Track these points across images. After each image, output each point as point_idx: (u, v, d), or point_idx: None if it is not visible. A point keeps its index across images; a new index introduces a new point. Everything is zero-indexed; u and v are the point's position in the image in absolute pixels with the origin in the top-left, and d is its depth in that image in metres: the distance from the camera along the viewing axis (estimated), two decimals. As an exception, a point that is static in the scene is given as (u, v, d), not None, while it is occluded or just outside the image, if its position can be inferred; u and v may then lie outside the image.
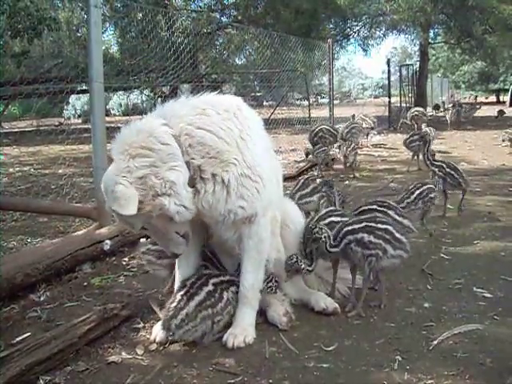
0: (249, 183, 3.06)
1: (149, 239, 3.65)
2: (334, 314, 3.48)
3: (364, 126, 12.90)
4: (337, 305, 3.53)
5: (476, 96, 50.40)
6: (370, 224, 3.53)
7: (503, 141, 12.52)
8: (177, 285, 3.36)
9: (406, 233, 3.76)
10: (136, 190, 2.76)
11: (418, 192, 5.24)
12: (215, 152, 2.96)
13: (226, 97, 3.35)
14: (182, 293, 3.16)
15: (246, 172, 3.04)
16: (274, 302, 3.44)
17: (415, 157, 9.71)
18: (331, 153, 9.50)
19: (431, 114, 24.97)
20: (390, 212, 4.27)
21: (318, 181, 5.62)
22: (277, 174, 3.56)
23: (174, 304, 3.11)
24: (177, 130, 2.92)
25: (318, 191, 5.51)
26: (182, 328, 3.07)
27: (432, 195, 5.27)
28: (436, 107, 28.77)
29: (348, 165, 9.43)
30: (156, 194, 2.80)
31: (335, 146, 10.64)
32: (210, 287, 3.20)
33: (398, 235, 3.51)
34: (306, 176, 5.96)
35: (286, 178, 7.36)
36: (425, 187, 5.28)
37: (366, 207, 4.37)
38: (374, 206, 4.31)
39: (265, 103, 23.72)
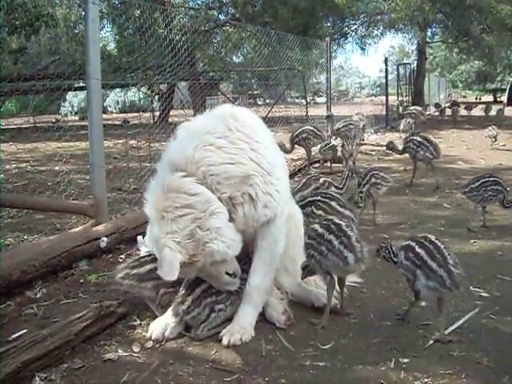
0: (271, 188, 3.14)
1: (144, 237, 3.61)
2: (335, 311, 3.48)
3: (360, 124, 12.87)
4: (337, 301, 3.52)
5: (480, 97, 50.21)
6: None
7: (488, 137, 12.78)
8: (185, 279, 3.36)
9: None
10: (186, 246, 2.83)
11: (483, 180, 5.51)
12: (240, 178, 3.01)
13: (218, 113, 3.32)
14: (191, 281, 3.26)
15: (267, 179, 3.11)
16: (273, 300, 3.43)
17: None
18: (339, 149, 9.44)
19: (429, 113, 24.99)
20: (333, 203, 4.47)
21: (322, 180, 5.56)
22: (285, 167, 3.59)
23: (183, 291, 3.23)
24: (199, 175, 2.96)
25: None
26: (190, 314, 3.16)
27: (496, 187, 5.46)
28: (437, 106, 28.83)
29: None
30: (205, 243, 2.86)
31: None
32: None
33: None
34: (308, 176, 5.90)
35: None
36: (491, 178, 5.53)
37: (312, 198, 4.52)
38: (318, 198, 4.44)
39: (260, 102, 23.73)
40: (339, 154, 9.51)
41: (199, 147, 3.01)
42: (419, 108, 16.58)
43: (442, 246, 3.19)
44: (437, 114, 23.60)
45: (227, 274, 3.12)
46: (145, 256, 3.53)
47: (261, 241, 3.26)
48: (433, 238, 3.29)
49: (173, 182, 2.93)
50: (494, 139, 12.62)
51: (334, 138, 10.11)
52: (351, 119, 11.88)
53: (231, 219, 3.03)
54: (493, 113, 18.78)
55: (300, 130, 9.77)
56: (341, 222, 3.37)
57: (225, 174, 2.98)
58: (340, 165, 9.67)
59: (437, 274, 3.09)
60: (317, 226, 3.43)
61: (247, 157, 3.06)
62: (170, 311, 3.30)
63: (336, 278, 3.40)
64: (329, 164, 9.71)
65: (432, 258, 3.13)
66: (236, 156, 3.03)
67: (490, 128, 12.72)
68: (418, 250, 3.21)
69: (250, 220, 3.11)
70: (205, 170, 2.96)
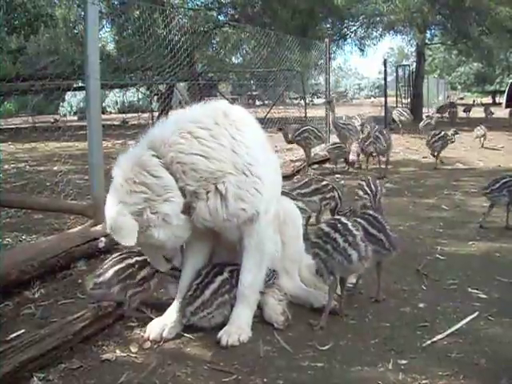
0: (247, 185, 3.08)
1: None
2: (332, 312, 3.47)
3: (356, 124, 12.82)
4: (336, 302, 3.53)
5: (481, 101, 50.19)
6: None
7: (476, 137, 13.49)
8: (182, 284, 3.36)
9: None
10: None
11: (503, 181, 5.55)
12: (208, 173, 2.99)
13: (212, 106, 3.32)
14: (197, 282, 3.28)
15: (242, 178, 3.06)
16: (271, 301, 3.43)
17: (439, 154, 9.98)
18: (346, 150, 9.49)
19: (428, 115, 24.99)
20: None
21: (324, 182, 5.50)
22: (275, 167, 3.55)
23: (190, 293, 3.24)
24: (168, 159, 2.97)
25: (320, 192, 5.40)
26: (197, 315, 3.20)
27: None
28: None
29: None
30: (148, 226, 2.92)
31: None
32: (226, 275, 3.30)
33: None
34: (311, 177, 5.87)
35: (282, 177, 7.33)
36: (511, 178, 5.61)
37: None
38: None
39: (258, 103, 23.70)
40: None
41: (177, 132, 3.02)
42: (405, 112, 16.63)
43: (379, 217, 3.71)
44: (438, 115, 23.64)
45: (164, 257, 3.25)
46: (107, 261, 3.54)
47: (248, 240, 3.24)
48: (370, 211, 3.84)
49: (142, 157, 2.98)
50: (482, 138, 13.25)
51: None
52: (350, 121, 11.91)
53: (192, 208, 3.02)
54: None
55: (302, 129, 9.75)
56: (347, 222, 3.40)
57: (192, 165, 2.97)
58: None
59: (377, 238, 3.55)
60: (323, 225, 3.46)
61: (225, 154, 3.03)
62: (168, 311, 3.31)
63: (338, 279, 3.41)
64: (331, 165, 9.75)
65: (372, 226, 3.60)
66: (212, 151, 3.00)
67: (479, 128, 13.32)
68: (359, 220, 3.61)
69: (221, 213, 3.05)
70: (173, 156, 2.96)
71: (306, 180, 5.54)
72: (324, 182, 5.48)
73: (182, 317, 3.23)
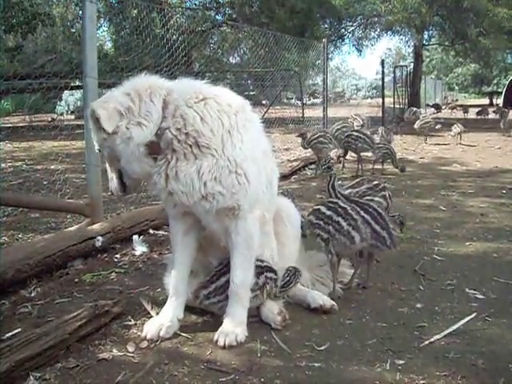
0: (226, 173, 3.02)
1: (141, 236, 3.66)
2: (331, 312, 3.48)
3: (355, 124, 12.77)
4: (334, 302, 3.52)
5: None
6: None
7: (454, 136, 14.15)
8: (174, 280, 3.34)
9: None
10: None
11: None
12: (195, 132, 2.96)
13: (236, 96, 3.31)
14: (217, 269, 3.40)
15: (223, 163, 3.00)
16: (269, 301, 3.42)
17: None
18: (331, 146, 9.36)
19: (424, 114, 25.01)
20: None
21: (375, 182, 5.16)
22: (269, 175, 3.46)
23: (208, 278, 3.38)
24: (170, 99, 3.01)
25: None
26: (209, 299, 3.33)
27: None
28: (436, 107, 28.86)
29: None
30: (118, 133, 2.97)
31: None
32: None
33: None
34: (362, 177, 5.61)
35: (279, 177, 7.32)
36: None
37: None
38: None
39: (253, 103, 23.72)
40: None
41: (194, 91, 3.07)
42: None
43: (383, 213, 3.86)
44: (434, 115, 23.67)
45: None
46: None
47: (236, 236, 3.19)
48: (375, 205, 3.96)
49: (158, 83, 3.10)
50: (459, 136, 13.96)
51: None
52: (346, 122, 11.90)
53: (166, 159, 3.01)
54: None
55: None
56: (346, 206, 3.75)
57: (184, 113, 2.97)
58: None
59: (380, 235, 3.72)
60: (323, 208, 3.76)
61: (219, 130, 3.01)
62: (164, 310, 3.30)
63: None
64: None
65: (376, 222, 3.75)
66: (210, 119, 2.99)
67: (456, 126, 13.96)
68: (362, 214, 3.76)
69: (198, 186, 3.00)
70: (175, 99, 3.01)
71: (358, 180, 5.29)
72: (375, 182, 5.16)
73: (195, 298, 3.33)
